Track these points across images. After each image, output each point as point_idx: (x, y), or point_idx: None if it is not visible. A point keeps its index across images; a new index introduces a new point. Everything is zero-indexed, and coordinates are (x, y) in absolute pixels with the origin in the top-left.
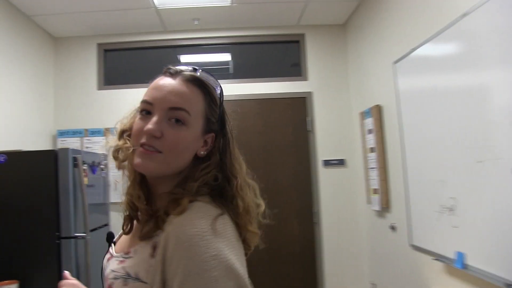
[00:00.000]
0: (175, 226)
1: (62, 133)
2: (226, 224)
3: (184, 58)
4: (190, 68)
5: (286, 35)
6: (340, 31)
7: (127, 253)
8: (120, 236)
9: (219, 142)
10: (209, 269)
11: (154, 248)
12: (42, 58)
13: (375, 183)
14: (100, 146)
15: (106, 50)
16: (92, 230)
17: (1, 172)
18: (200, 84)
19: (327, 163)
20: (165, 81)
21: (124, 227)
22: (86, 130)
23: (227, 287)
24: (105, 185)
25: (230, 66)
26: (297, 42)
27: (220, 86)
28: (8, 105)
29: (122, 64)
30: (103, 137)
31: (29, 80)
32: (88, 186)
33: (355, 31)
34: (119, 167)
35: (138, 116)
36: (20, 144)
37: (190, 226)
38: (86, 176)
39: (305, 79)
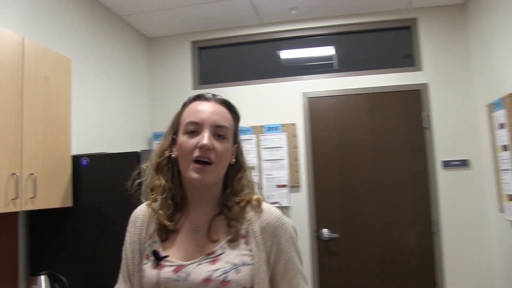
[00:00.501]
0: (264, 216)
1: (158, 136)
2: None
3: (284, 54)
4: (213, 94)
5: (396, 20)
6: (459, 12)
7: (211, 253)
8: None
9: (238, 151)
10: (293, 234)
11: (244, 237)
12: (136, 60)
13: (509, 188)
14: None
15: (200, 48)
16: None
17: (86, 176)
18: (229, 106)
19: (447, 164)
20: (205, 105)
21: (162, 238)
22: None
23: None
24: None
25: (335, 61)
26: (408, 28)
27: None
28: (104, 108)
29: (217, 61)
30: None
31: (123, 82)
32: None
33: (478, 9)
34: (153, 201)
35: (184, 137)
36: (116, 147)
37: (273, 213)
38: None
39: (419, 69)
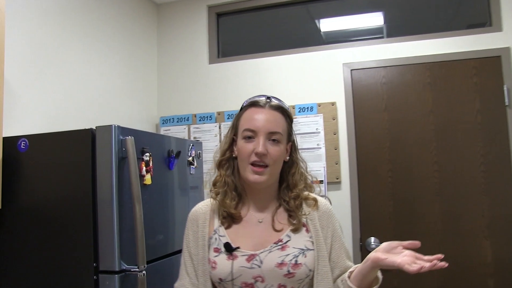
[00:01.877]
0: (319, 207)
1: (166, 121)
2: None
3: (324, 23)
4: (267, 97)
5: None
6: None
7: (279, 241)
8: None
9: (294, 147)
10: (339, 225)
11: (304, 226)
12: (143, 30)
13: None
14: (212, 135)
15: (218, 14)
16: (153, 261)
17: (24, 165)
18: (283, 110)
19: None
20: (260, 113)
21: (226, 227)
22: (195, 115)
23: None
24: (190, 188)
25: (384, 27)
26: None
27: (288, 108)
28: (101, 85)
29: (239, 30)
30: (216, 124)
31: (127, 57)
32: (154, 187)
33: None
34: (216, 195)
35: (242, 141)
36: None
37: (326, 204)
38: (149, 172)
39: (498, 29)
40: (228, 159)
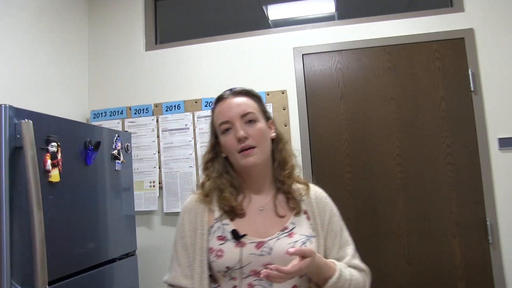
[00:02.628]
0: (314, 194)
1: (97, 115)
2: None
3: (272, 10)
4: (230, 89)
5: None
6: None
7: (285, 229)
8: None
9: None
10: (337, 210)
11: (305, 213)
12: (73, 15)
13: None
14: (149, 130)
15: None
16: (66, 278)
17: None
18: (246, 92)
19: (506, 143)
20: (226, 103)
21: (231, 219)
22: (129, 108)
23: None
24: (115, 187)
25: (336, 18)
26: None
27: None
28: (25, 76)
29: (181, 15)
30: (153, 117)
31: (53, 44)
32: (64, 186)
33: None
34: (204, 197)
35: (222, 136)
36: None
37: (319, 188)
38: (56, 166)
39: (460, 9)
40: (213, 161)
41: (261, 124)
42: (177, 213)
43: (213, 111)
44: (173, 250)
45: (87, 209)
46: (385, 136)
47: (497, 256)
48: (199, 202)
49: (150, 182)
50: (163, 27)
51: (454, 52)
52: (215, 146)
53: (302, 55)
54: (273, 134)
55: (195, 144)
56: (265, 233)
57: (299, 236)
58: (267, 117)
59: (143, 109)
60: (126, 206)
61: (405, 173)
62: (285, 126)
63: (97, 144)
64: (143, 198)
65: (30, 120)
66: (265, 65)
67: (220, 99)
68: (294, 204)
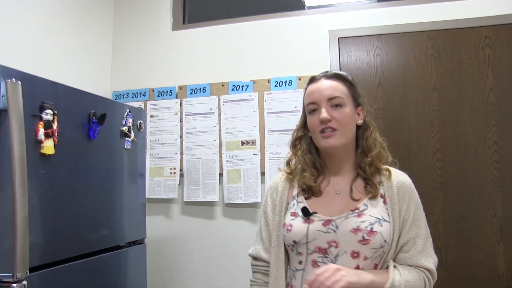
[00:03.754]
0: (397, 180)
1: (119, 96)
2: None
3: None
4: (325, 71)
5: None
6: None
7: (355, 209)
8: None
9: (364, 111)
10: (420, 200)
11: (382, 197)
12: None
13: None
14: (172, 113)
15: None
16: (51, 265)
17: None
18: (339, 76)
19: None
20: (317, 85)
21: (307, 197)
22: (152, 90)
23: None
24: (131, 168)
25: None
26: None
27: (349, 74)
28: (51, 60)
29: None
30: (177, 100)
31: (80, 20)
32: (60, 160)
33: None
34: (288, 174)
35: (308, 116)
36: None
37: (404, 176)
38: (51, 137)
39: None
40: (301, 139)
41: (348, 109)
42: (197, 203)
43: (304, 91)
44: (258, 225)
45: (86, 188)
46: (425, 128)
47: None
48: (282, 180)
49: (171, 169)
50: (192, 6)
51: (507, 39)
52: (305, 124)
53: (338, 38)
54: (360, 121)
55: (220, 130)
56: (336, 213)
57: (368, 217)
58: (357, 103)
59: (167, 92)
60: (135, 189)
61: (445, 170)
62: None
63: (102, 117)
64: (163, 185)
65: (18, 81)
66: (299, 48)
67: (312, 80)
68: (371, 189)
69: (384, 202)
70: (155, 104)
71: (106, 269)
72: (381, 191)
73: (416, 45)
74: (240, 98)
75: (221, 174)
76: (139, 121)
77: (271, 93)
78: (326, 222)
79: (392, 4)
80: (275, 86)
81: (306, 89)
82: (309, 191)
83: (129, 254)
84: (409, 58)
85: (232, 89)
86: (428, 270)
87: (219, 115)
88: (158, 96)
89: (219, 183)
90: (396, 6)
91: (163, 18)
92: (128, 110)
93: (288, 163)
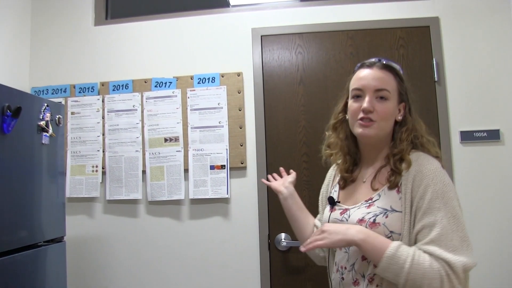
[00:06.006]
0: (417, 168)
1: (38, 92)
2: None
3: None
4: (378, 59)
5: None
6: None
7: (369, 199)
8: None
9: (408, 108)
10: (447, 190)
11: (397, 186)
12: None
13: None
14: (94, 110)
15: None
16: None
17: None
18: (391, 69)
19: (469, 136)
20: (366, 72)
21: (341, 186)
22: (73, 86)
23: (455, 205)
24: (49, 164)
25: None
26: None
27: (401, 68)
28: None
29: None
30: (99, 97)
31: None
32: None
33: None
34: (328, 157)
35: (351, 101)
36: None
37: (428, 164)
38: None
39: None
40: (342, 122)
41: (391, 104)
42: (120, 201)
43: (354, 72)
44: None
45: None
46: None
47: None
48: (332, 168)
49: (93, 167)
50: (115, 2)
51: (419, 40)
52: (345, 107)
53: (261, 36)
54: (399, 118)
55: (143, 127)
56: (356, 202)
57: (375, 208)
58: (401, 99)
59: (89, 88)
60: (54, 187)
61: None
62: (240, 110)
63: (17, 110)
64: (84, 184)
65: None
66: (221, 45)
67: (364, 65)
68: (393, 178)
69: (398, 191)
70: (77, 101)
71: (22, 269)
72: (400, 181)
73: (336, 43)
74: (163, 95)
75: (144, 172)
76: (57, 116)
77: (194, 90)
78: (343, 211)
79: (313, 4)
80: (198, 83)
81: (355, 71)
82: (344, 180)
83: (47, 252)
84: (330, 56)
85: (155, 86)
86: (447, 262)
87: (142, 111)
88: (79, 92)
89: (142, 181)
90: (317, 6)
91: (85, 12)
92: (46, 104)
93: (328, 146)
